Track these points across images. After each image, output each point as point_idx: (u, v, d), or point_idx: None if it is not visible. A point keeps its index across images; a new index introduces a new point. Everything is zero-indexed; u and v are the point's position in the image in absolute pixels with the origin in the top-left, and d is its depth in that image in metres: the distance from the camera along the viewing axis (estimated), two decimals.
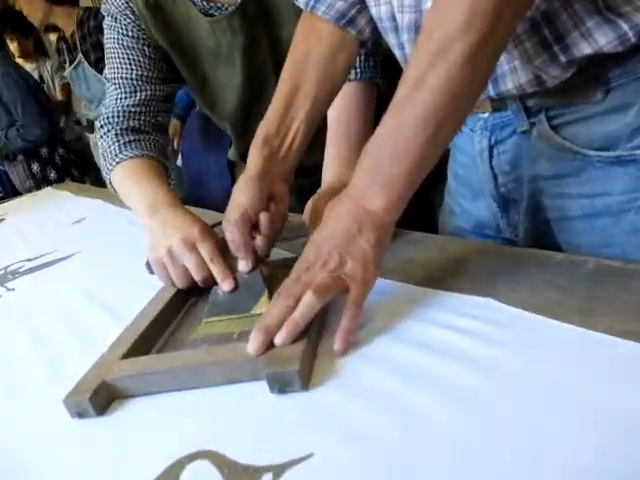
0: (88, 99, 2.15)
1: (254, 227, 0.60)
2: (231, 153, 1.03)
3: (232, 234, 0.58)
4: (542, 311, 0.44)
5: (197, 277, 0.61)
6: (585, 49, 0.48)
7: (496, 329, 0.44)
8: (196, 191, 1.65)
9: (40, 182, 2.21)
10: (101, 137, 0.83)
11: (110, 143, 0.80)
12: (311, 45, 0.62)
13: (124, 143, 0.79)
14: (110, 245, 0.97)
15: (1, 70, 2.23)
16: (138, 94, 0.83)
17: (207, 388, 0.45)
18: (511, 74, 0.52)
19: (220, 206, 0.98)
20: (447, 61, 0.41)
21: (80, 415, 0.46)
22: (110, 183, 0.81)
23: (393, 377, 0.41)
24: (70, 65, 2.11)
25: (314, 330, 0.47)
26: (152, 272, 0.66)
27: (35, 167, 2.22)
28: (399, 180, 0.45)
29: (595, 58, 0.49)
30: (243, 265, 0.59)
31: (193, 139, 1.74)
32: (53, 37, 2.32)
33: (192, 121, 1.78)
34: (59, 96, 2.95)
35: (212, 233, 0.64)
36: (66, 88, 2.94)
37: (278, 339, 0.44)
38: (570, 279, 0.48)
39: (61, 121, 2.89)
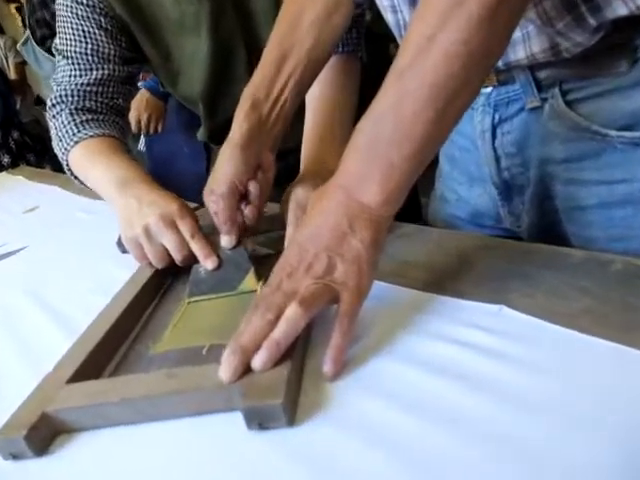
0: (43, 77, 2.01)
1: (241, 198, 0.55)
2: (200, 133, 0.94)
3: (216, 206, 0.53)
4: (567, 321, 0.37)
5: (177, 256, 0.56)
6: (619, 9, 0.40)
7: (512, 343, 0.38)
8: (161, 177, 1.53)
9: None
10: (53, 117, 0.75)
11: (65, 122, 0.73)
12: (304, 5, 0.55)
13: (81, 122, 0.72)
14: (63, 239, 0.88)
15: None
16: (94, 72, 0.75)
17: (170, 420, 0.38)
18: (523, 42, 0.45)
19: (190, 193, 0.90)
20: (460, 18, 0.34)
21: (15, 457, 0.38)
22: (67, 165, 0.74)
23: (395, 406, 0.34)
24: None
25: (299, 350, 0.39)
26: (124, 251, 0.63)
27: None
28: (400, 166, 0.37)
29: (627, 21, 0.42)
30: (227, 240, 0.54)
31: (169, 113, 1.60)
32: (12, 8, 2.16)
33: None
34: (13, 75, 2.77)
35: (191, 210, 0.60)
36: (20, 67, 2.77)
37: (256, 363, 0.36)
38: (596, 282, 0.41)
39: (17, 102, 2.71)
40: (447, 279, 0.47)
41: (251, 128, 0.54)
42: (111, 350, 0.48)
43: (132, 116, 1.50)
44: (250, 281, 0.52)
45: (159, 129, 1.58)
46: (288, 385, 0.35)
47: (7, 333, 0.58)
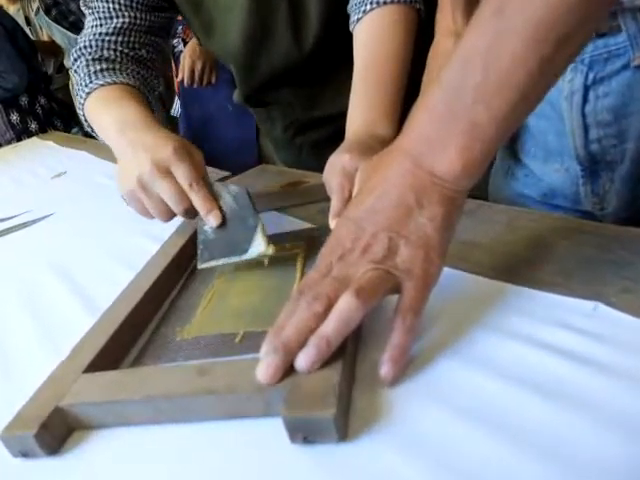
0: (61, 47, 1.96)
1: None
2: (236, 94, 0.87)
3: None
4: None
5: (177, 209, 0.51)
6: None
7: (612, 350, 0.31)
8: (200, 144, 1.42)
9: (21, 133, 2.02)
10: (75, 72, 0.69)
11: (82, 75, 0.67)
12: None
13: (94, 72, 0.66)
14: (89, 207, 0.84)
15: None
16: (114, 20, 0.69)
17: (199, 423, 0.32)
18: None
19: (234, 160, 0.83)
20: None
21: (24, 455, 0.34)
22: (85, 121, 0.68)
23: (463, 419, 0.28)
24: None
25: (350, 348, 0.33)
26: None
27: (14, 117, 2.03)
28: (486, 129, 0.30)
29: None
30: None
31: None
32: None
33: None
34: (46, 38, 2.73)
35: (190, 152, 0.53)
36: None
37: (301, 363, 0.30)
38: None
39: (50, 66, 2.67)
40: (522, 266, 0.40)
41: None
42: (134, 333, 0.43)
43: (185, 65, 1.39)
44: (260, 243, 0.47)
45: (213, 80, 1.44)
46: (340, 392, 0.29)
47: (26, 308, 0.54)
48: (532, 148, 0.54)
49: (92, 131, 0.69)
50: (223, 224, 0.49)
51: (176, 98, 1.57)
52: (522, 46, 0.28)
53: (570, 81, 0.46)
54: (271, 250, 0.46)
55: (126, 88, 0.65)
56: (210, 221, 0.49)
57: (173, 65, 1.57)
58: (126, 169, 0.53)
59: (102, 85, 0.64)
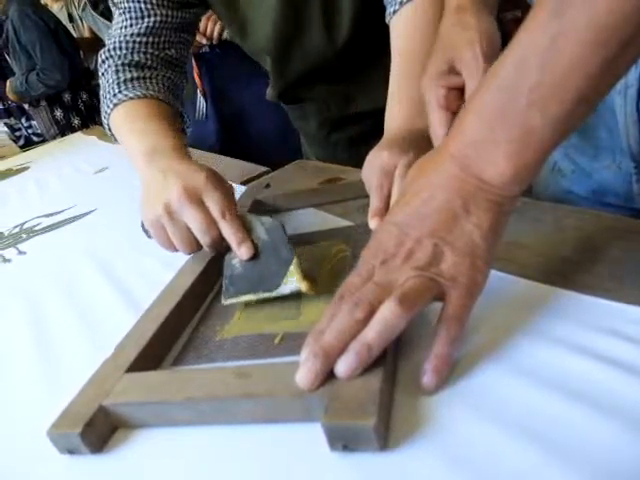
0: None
1: None
2: (268, 93, 0.87)
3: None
4: None
5: (203, 239, 0.48)
6: None
7: None
8: (236, 141, 1.36)
9: (64, 129, 2.10)
10: (102, 75, 0.69)
11: (110, 81, 0.66)
12: None
13: (124, 80, 0.65)
14: (130, 202, 0.85)
15: (18, 9, 2.06)
16: (145, 20, 0.68)
17: (239, 425, 0.33)
18: None
19: (275, 151, 0.81)
20: None
21: (71, 452, 0.35)
22: (109, 130, 0.67)
23: (509, 431, 0.27)
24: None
25: (391, 355, 0.32)
26: (150, 236, 0.53)
27: (58, 113, 2.10)
28: (541, 133, 0.29)
29: None
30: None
31: (230, 69, 1.35)
32: None
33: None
34: (87, 34, 2.79)
35: (222, 181, 0.50)
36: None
37: (341, 369, 0.30)
38: None
39: (92, 62, 2.73)
40: (570, 268, 0.38)
41: None
42: (175, 333, 0.44)
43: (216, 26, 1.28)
44: (293, 278, 0.42)
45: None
46: (380, 400, 0.28)
47: (70, 305, 0.55)
48: (581, 144, 0.51)
49: (115, 140, 0.68)
50: (254, 257, 0.46)
51: (199, 100, 1.41)
52: (582, 48, 0.27)
53: (624, 75, 0.43)
54: (305, 287, 0.41)
55: (156, 105, 0.63)
56: (242, 253, 0.46)
57: (195, 66, 1.45)
58: (153, 196, 0.50)
59: (131, 98, 0.63)
